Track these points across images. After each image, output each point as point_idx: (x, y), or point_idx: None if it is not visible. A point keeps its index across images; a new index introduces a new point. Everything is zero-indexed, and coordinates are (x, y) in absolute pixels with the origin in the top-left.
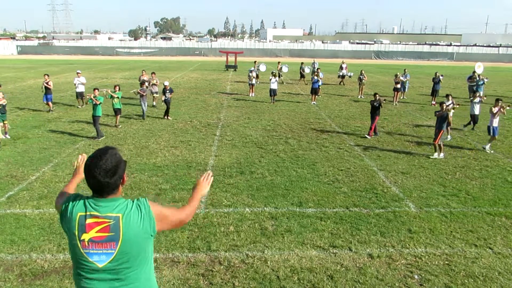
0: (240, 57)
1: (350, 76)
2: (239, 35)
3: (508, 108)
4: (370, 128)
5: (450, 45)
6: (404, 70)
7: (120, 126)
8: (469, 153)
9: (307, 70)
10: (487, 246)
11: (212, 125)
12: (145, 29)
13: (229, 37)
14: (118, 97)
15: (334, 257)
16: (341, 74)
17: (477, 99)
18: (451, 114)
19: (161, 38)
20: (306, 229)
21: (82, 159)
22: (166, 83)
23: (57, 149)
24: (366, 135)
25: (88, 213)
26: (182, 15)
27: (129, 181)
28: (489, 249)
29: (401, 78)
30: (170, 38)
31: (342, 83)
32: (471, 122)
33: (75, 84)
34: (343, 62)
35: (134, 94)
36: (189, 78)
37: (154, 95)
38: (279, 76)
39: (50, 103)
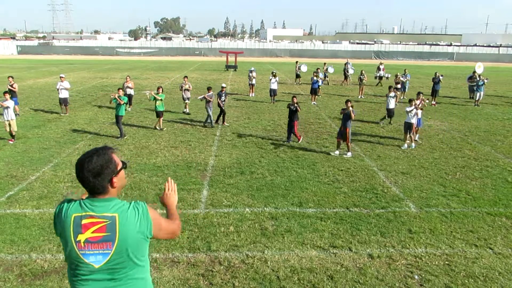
0: (240, 57)
1: (387, 78)
2: (239, 35)
3: (427, 101)
4: (294, 134)
5: (450, 45)
6: (405, 70)
7: (165, 129)
8: (469, 153)
9: (351, 71)
10: (488, 246)
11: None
12: (145, 29)
13: (229, 37)
14: (161, 99)
15: (334, 257)
16: (378, 75)
17: (392, 94)
18: (414, 121)
19: (161, 38)
20: (306, 229)
21: None
22: (224, 85)
23: (57, 149)
24: (293, 141)
25: (84, 213)
26: (182, 15)
27: (129, 181)
28: (489, 249)
29: (401, 78)
30: (170, 38)
31: (380, 84)
32: (387, 116)
33: (57, 89)
34: (381, 63)
35: (200, 100)
36: (189, 78)
37: (186, 101)
38: (325, 77)
39: (16, 106)
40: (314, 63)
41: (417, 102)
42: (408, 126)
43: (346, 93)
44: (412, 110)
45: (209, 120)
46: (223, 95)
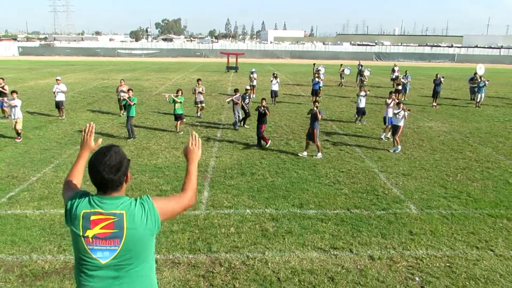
0: (241, 59)
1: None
2: (240, 37)
3: (397, 100)
4: (262, 138)
5: (451, 46)
6: (405, 71)
7: (182, 132)
8: (470, 155)
9: (367, 73)
10: (489, 248)
11: (213, 127)
12: (146, 30)
13: (230, 38)
14: (180, 102)
15: (335, 259)
16: (393, 77)
17: (362, 93)
18: (402, 123)
19: (162, 39)
20: (307, 231)
21: (90, 128)
22: (248, 87)
23: (58, 150)
24: (258, 146)
25: (92, 210)
26: (183, 17)
27: (130, 182)
28: (490, 251)
29: (402, 80)
30: (171, 40)
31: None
32: (357, 114)
33: (54, 92)
34: (395, 65)
35: (227, 103)
36: (190, 80)
37: (200, 104)
38: (341, 78)
39: (6, 108)
40: (331, 65)
41: (389, 101)
42: (395, 129)
43: (347, 94)
44: (399, 112)
45: (237, 123)
46: (247, 97)
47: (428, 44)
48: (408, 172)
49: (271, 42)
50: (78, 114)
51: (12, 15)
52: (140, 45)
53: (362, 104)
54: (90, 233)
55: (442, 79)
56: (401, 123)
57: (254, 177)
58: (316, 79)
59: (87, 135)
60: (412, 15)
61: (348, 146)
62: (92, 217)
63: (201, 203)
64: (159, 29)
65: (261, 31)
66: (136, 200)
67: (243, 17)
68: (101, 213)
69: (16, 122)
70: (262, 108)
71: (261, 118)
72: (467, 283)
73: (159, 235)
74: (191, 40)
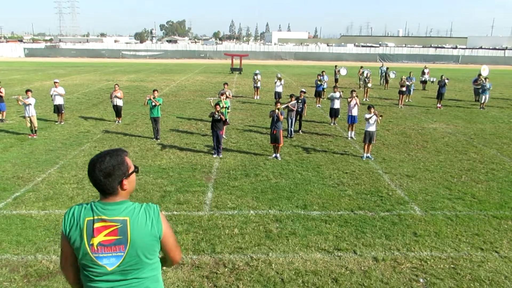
0: (245, 60)
1: (432, 82)
2: (244, 38)
3: (357, 97)
4: (218, 147)
5: (456, 48)
6: (410, 73)
7: (226, 138)
8: (474, 156)
9: (392, 75)
10: (493, 250)
11: None
12: (151, 32)
13: (234, 40)
14: (226, 107)
15: (338, 260)
16: (423, 79)
17: (337, 94)
18: (374, 128)
19: (167, 41)
20: (311, 232)
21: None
22: (304, 90)
23: (63, 151)
24: (215, 155)
25: (95, 217)
26: (187, 18)
27: (131, 189)
28: (495, 252)
29: (406, 82)
30: (175, 41)
31: (424, 88)
32: (331, 115)
33: (51, 96)
34: (425, 67)
35: (283, 109)
36: (194, 81)
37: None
38: (362, 80)
39: (3, 112)
40: (353, 66)
41: (350, 99)
42: (368, 135)
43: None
44: (371, 117)
45: (289, 131)
46: (300, 102)
47: (432, 45)
48: (412, 174)
49: (275, 44)
50: (83, 115)
51: (18, 16)
52: (144, 47)
53: (337, 105)
54: (94, 241)
55: (446, 81)
56: (373, 128)
57: (258, 178)
58: (319, 82)
59: None
60: (416, 16)
61: (352, 147)
62: (96, 225)
63: (205, 204)
64: (163, 30)
65: (265, 32)
66: (141, 205)
67: (247, 19)
68: (104, 220)
69: (30, 120)
70: (218, 113)
71: (217, 123)
72: (472, 284)
73: None
74: (196, 42)
